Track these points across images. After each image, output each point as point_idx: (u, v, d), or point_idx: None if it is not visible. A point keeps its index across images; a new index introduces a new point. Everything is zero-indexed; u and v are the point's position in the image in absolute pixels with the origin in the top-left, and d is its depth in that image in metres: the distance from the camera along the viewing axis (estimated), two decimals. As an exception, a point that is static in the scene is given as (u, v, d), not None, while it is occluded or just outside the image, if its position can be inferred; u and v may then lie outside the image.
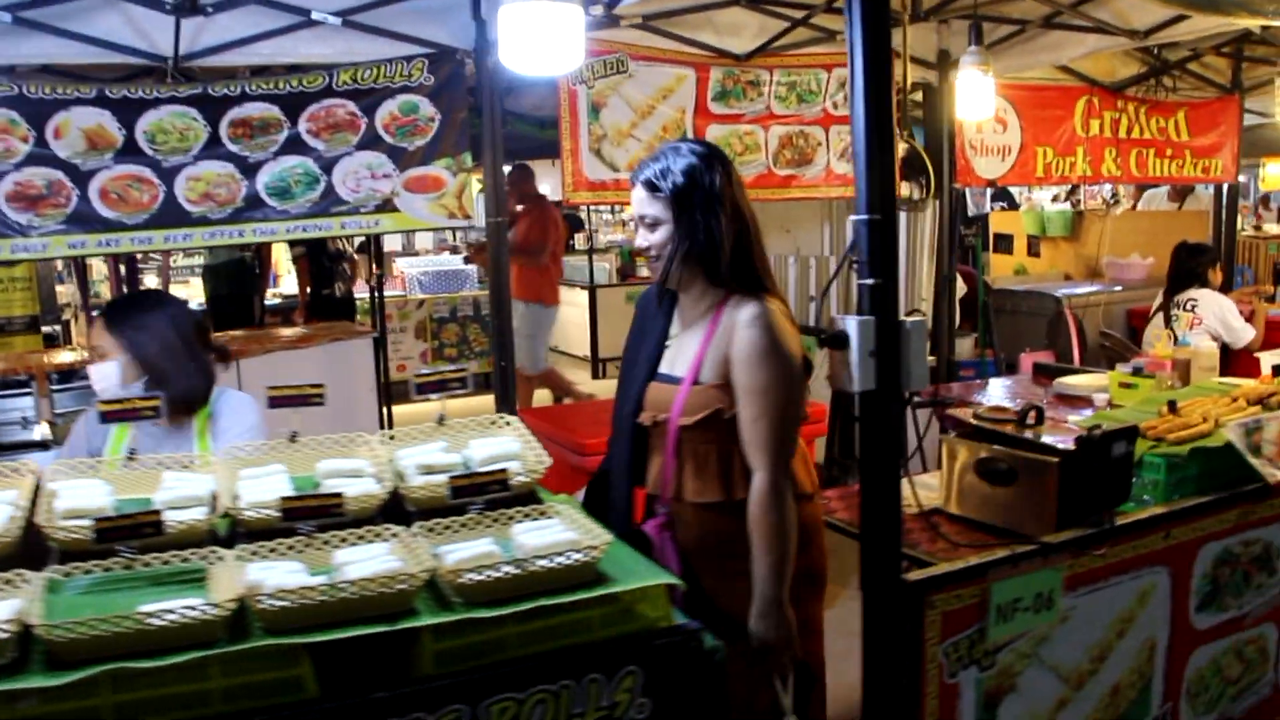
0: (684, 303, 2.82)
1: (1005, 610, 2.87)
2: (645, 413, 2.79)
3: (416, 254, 15.44)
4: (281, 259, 12.06)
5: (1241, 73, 7.35)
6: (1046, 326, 7.14)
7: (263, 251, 9.74)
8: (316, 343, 6.37)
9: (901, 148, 6.73)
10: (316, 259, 9.34)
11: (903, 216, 6.78)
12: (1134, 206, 10.49)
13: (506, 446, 2.61)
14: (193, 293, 10.96)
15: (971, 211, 11.72)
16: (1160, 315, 6.61)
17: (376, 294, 7.70)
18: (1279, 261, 8.49)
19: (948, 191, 6.46)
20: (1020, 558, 2.91)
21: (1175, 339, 6.50)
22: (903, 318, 2.72)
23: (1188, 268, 6.62)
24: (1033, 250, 8.66)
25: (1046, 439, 3.12)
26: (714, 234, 2.66)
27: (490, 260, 5.25)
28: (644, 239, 2.74)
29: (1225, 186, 7.73)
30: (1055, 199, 9.29)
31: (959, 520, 3.26)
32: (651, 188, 2.68)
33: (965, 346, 6.83)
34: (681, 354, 2.79)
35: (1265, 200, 13.54)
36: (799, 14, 5.65)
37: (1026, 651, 2.97)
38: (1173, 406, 3.59)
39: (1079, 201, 9.10)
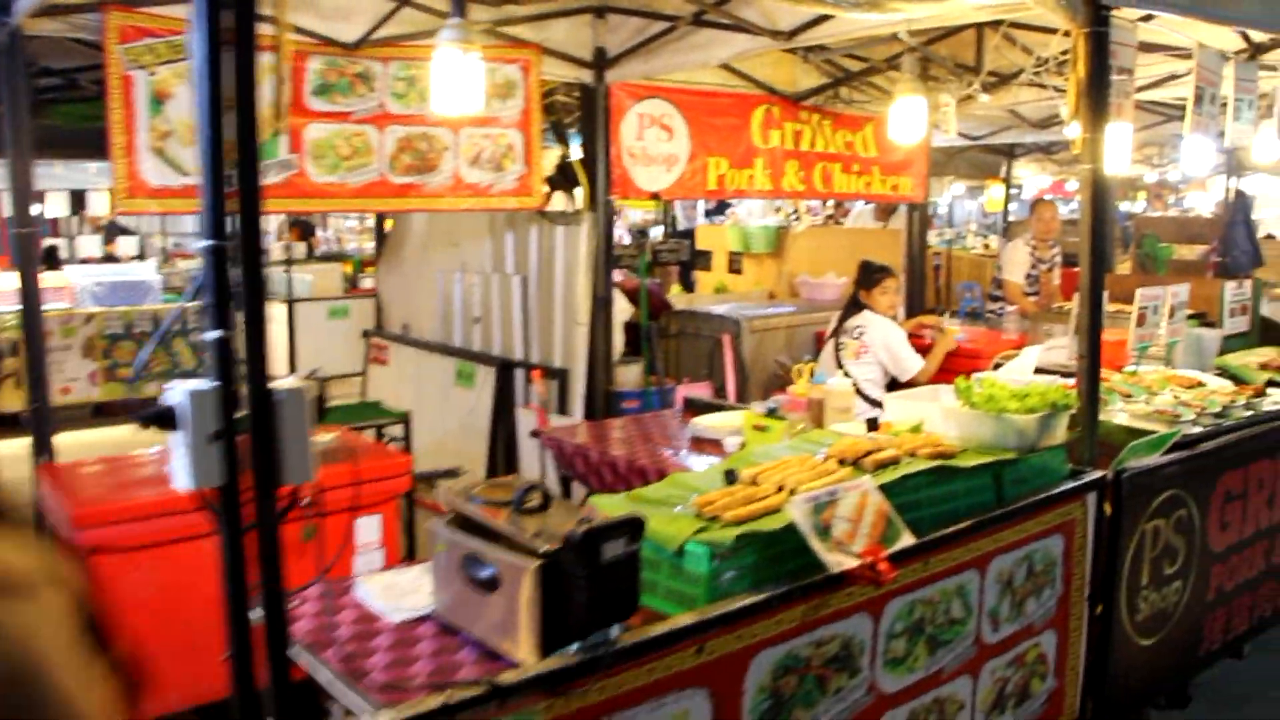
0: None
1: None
2: None
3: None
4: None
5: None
6: (710, 354, 6.63)
7: None
8: None
9: (553, 156, 6.07)
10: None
11: (560, 231, 6.11)
12: (838, 221, 10.25)
13: None
14: None
15: (682, 225, 11.26)
16: (831, 342, 6.15)
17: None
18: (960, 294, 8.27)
19: (603, 205, 5.80)
20: (473, 703, 2.16)
21: (841, 368, 6.05)
22: (279, 384, 1.95)
23: (864, 284, 6.18)
24: (735, 267, 8.18)
25: (540, 532, 2.41)
26: None
27: (20, 276, 4.30)
28: None
29: (917, 209, 7.38)
30: (779, 212, 8.83)
31: (452, 633, 2.55)
32: None
33: (632, 374, 6.19)
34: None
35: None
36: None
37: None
38: (731, 476, 2.95)
39: (797, 216, 8.66)
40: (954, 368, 5.97)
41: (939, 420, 3.61)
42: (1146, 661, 3.98)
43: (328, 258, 12.83)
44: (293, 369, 11.33)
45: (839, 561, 2.74)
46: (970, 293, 8.00)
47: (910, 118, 5.33)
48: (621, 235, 9.65)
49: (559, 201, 6.19)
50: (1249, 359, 5.42)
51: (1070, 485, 3.54)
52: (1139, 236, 10.62)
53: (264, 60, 4.75)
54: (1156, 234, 10.26)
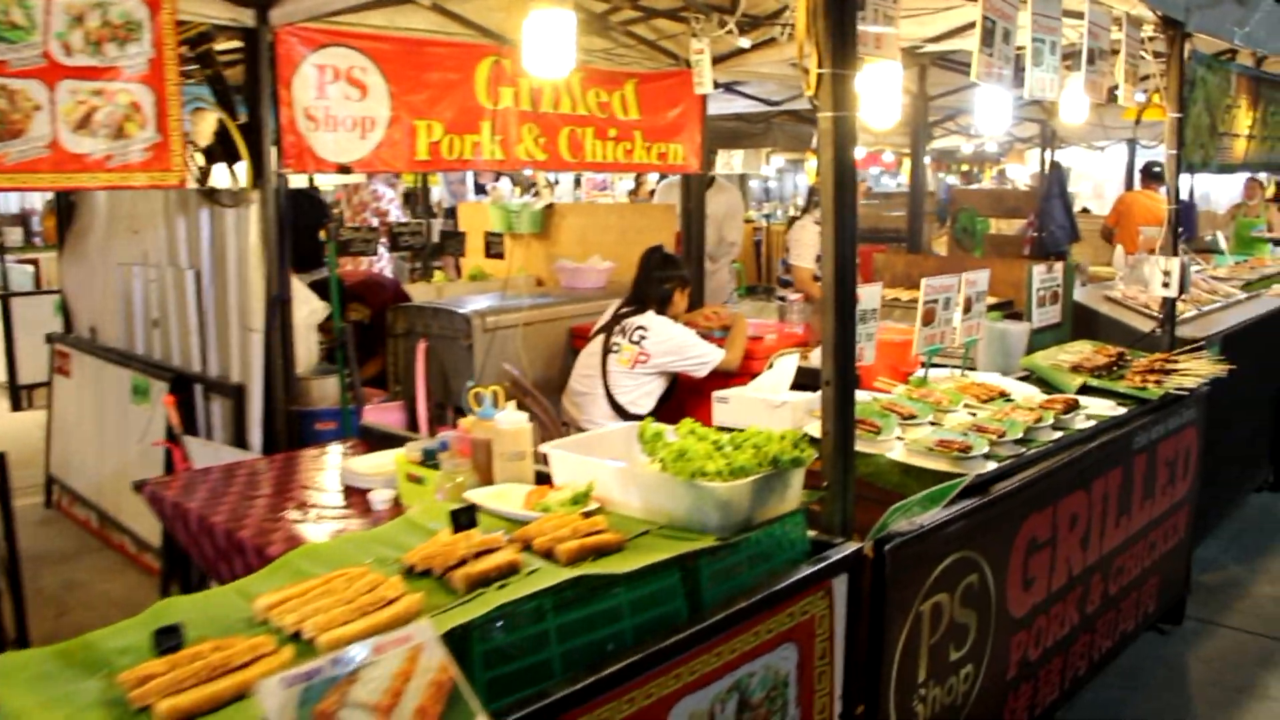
0: None
1: None
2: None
3: None
4: None
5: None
6: (443, 358, 5.44)
7: None
8: None
9: (210, 120, 4.76)
10: None
11: (230, 216, 4.82)
12: (651, 194, 9.14)
13: None
14: None
15: (447, 202, 9.98)
16: (600, 341, 5.02)
17: None
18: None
19: (273, 181, 4.52)
20: None
21: (605, 379, 4.93)
22: None
23: (656, 279, 5.07)
24: (495, 250, 6.99)
25: None
26: None
27: None
28: None
29: (693, 180, 6.30)
30: (525, 190, 7.59)
31: None
32: None
33: (331, 390, 4.94)
34: None
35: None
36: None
37: None
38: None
39: (535, 191, 7.36)
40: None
41: (615, 486, 2.50)
42: (928, 782, 2.97)
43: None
44: (12, 376, 9.72)
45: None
46: (788, 270, 7.02)
47: (550, 39, 3.98)
48: (390, 211, 8.33)
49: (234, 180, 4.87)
50: (1061, 357, 4.51)
51: (807, 571, 2.47)
52: (955, 211, 9.86)
53: None
54: (974, 207, 9.47)
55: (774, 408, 3.44)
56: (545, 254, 7.24)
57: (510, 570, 2.08)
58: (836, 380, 2.61)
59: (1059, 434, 3.59)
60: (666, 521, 2.41)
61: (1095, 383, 4.24)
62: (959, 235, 9.15)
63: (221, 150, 4.75)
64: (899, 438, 3.36)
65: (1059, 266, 4.92)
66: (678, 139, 6.05)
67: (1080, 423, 3.73)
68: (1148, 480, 4.13)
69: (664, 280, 4.99)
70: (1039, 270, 4.77)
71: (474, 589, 2.02)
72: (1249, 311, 5.99)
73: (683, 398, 5.01)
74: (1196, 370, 4.41)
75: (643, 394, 4.84)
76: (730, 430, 2.61)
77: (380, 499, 3.29)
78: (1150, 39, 4.82)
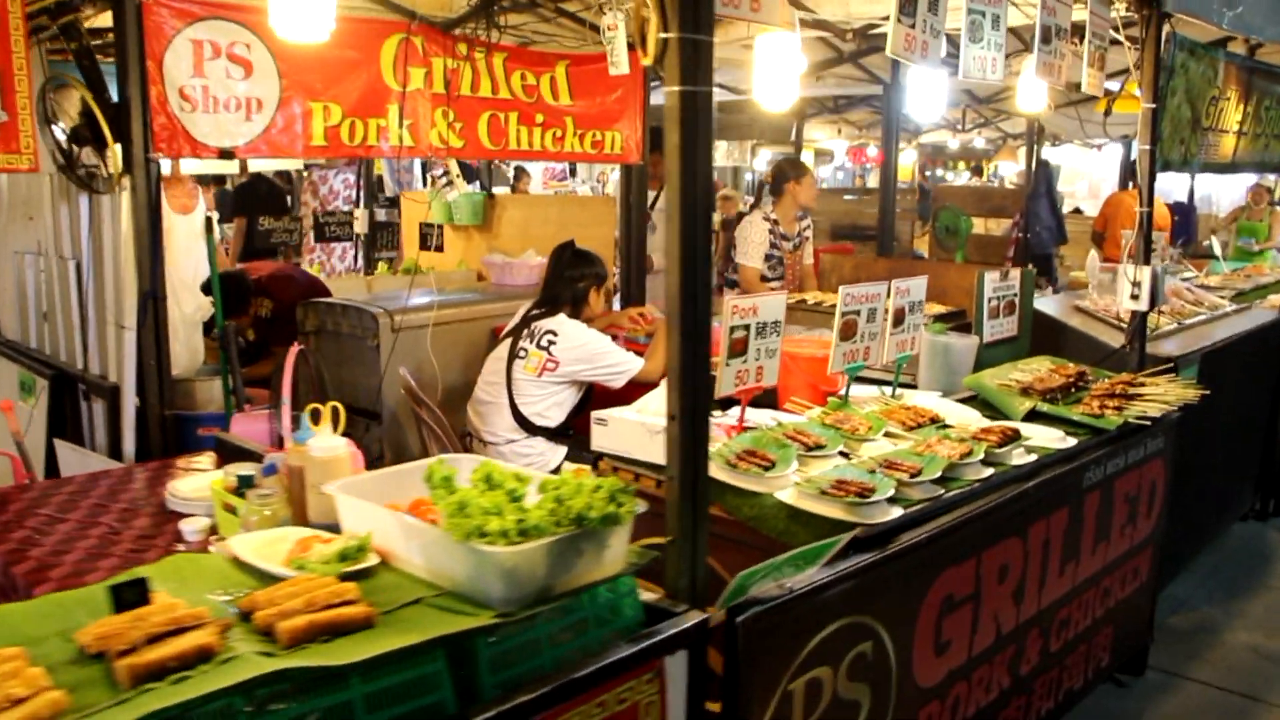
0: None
1: None
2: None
3: None
4: None
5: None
6: (352, 361, 5.01)
7: None
8: None
9: (75, 100, 4.31)
10: None
11: (105, 203, 4.37)
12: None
13: None
14: None
15: (391, 190, 9.49)
16: (507, 346, 4.55)
17: None
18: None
19: (143, 168, 4.07)
20: None
21: (509, 387, 4.47)
22: None
23: (568, 278, 4.60)
24: (432, 243, 6.52)
25: None
26: None
27: None
28: None
29: (634, 170, 5.82)
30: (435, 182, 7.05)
31: None
32: None
33: (216, 392, 4.50)
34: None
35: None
36: None
37: None
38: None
39: (449, 180, 6.81)
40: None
41: (399, 540, 2.04)
42: None
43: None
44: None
45: None
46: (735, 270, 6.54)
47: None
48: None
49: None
50: (1013, 376, 4.02)
51: (627, 650, 2.00)
52: (938, 209, 9.36)
53: None
54: (958, 206, 8.97)
55: (653, 434, 2.98)
56: (487, 247, 6.78)
57: (201, 656, 1.62)
58: (683, 414, 2.14)
59: (990, 471, 3.11)
60: (452, 587, 1.95)
61: (1046, 408, 3.76)
62: (941, 235, 8.65)
63: (89, 132, 4.30)
64: (796, 473, 2.89)
65: (1016, 274, 4.42)
66: (615, 126, 5.57)
67: (1018, 457, 3.25)
68: (1102, 521, 3.65)
69: (577, 279, 4.51)
70: (991, 278, 4.27)
71: (143, 682, 1.56)
72: (1236, 326, 5.48)
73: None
74: (1164, 396, 3.92)
75: (551, 405, 4.37)
76: (559, 472, 2.15)
77: (192, 529, 2.85)
78: (1125, 22, 4.31)
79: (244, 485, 2.72)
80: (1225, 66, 5.04)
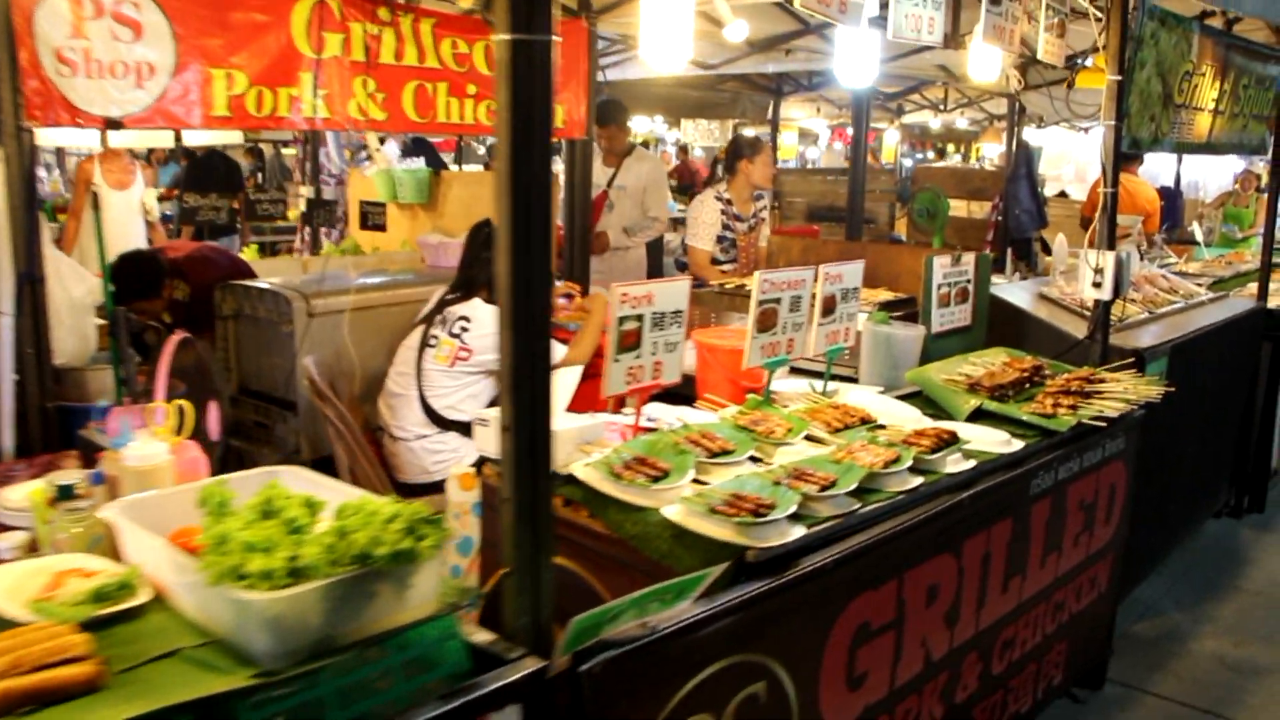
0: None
1: None
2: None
3: None
4: None
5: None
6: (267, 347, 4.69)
7: None
8: None
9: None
10: None
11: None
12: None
13: None
14: None
15: (335, 167, 9.11)
16: (419, 333, 4.24)
17: None
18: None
19: (14, 138, 3.74)
20: None
21: (419, 378, 4.15)
22: None
23: (485, 259, 4.29)
24: (371, 222, 6.18)
25: None
26: None
27: None
28: None
29: (577, 145, 5.48)
30: (367, 154, 6.72)
31: None
32: None
33: (110, 382, 4.19)
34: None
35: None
36: None
37: None
38: None
39: (367, 156, 6.47)
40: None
41: (170, 577, 1.72)
42: None
43: None
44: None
45: None
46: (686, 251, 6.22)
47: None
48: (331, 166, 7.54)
49: None
50: (963, 370, 3.69)
51: (436, 710, 1.68)
52: (916, 190, 9.00)
53: None
54: (938, 187, 8.62)
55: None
56: (432, 226, 6.44)
57: None
58: (518, 425, 1.82)
59: (919, 481, 2.79)
60: (222, 634, 1.63)
61: (993, 407, 3.44)
62: (918, 218, 8.29)
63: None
64: (695, 481, 2.57)
65: (970, 258, 4.09)
66: (557, 99, 5.22)
67: (952, 464, 2.92)
68: (1052, 531, 3.33)
69: (494, 260, 4.17)
70: (941, 263, 3.94)
71: None
72: (1211, 316, 5.15)
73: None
74: (1125, 393, 3.60)
75: (464, 397, 4.06)
76: (372, 491, 1.83)
77: (7, 545, 2.52)
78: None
79: (62, 497, 2.40)
80: (1200, 40, 4.68)
